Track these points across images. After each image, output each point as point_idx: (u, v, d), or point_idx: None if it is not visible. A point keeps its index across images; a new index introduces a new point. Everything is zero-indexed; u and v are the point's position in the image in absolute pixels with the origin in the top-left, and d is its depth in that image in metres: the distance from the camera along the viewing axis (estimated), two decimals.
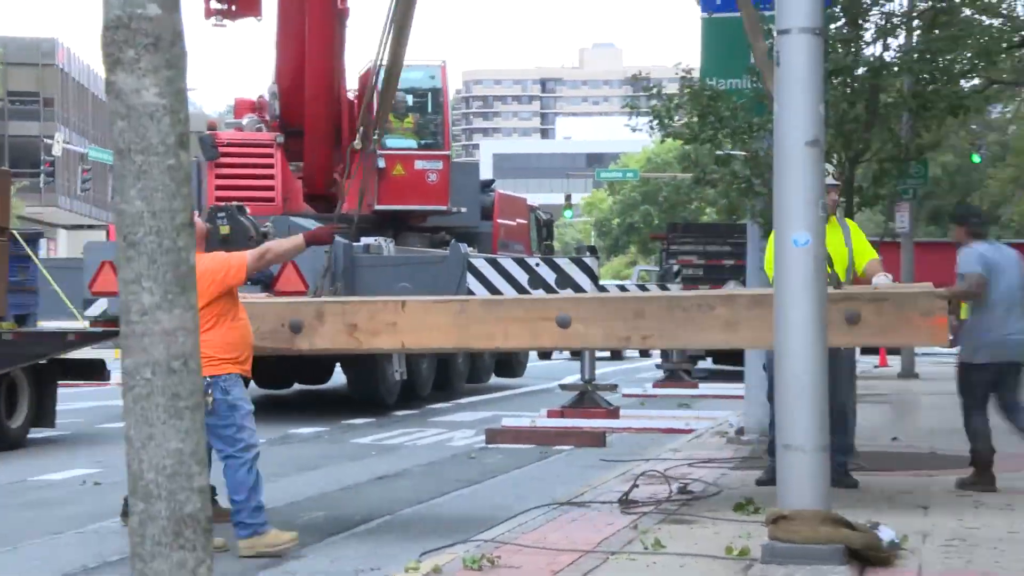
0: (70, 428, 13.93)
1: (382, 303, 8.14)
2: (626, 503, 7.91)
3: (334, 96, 18.29)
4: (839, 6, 10.24)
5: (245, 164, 17.53)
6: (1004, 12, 21.62)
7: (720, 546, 6.44)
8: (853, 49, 10.31)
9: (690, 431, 13.01)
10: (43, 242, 26.05)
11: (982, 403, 8.66)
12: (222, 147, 17.50)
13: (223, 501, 7.65)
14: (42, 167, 53.78)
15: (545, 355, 31.98)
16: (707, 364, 25.03)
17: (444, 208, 18.56)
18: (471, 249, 17.37)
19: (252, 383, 9.02)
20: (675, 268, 24.28)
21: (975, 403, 8.64)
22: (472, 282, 15.89)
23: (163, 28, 3.05)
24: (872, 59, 10.32)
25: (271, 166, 17.52)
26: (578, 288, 14.62)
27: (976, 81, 17.09)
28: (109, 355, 14.59)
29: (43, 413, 12.83)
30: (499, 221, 21.41)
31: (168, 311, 3.03)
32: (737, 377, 15.25)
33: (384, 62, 8.37)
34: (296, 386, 19.81)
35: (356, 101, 18.82)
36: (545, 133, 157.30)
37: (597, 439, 12.46)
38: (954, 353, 9.40)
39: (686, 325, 7.59)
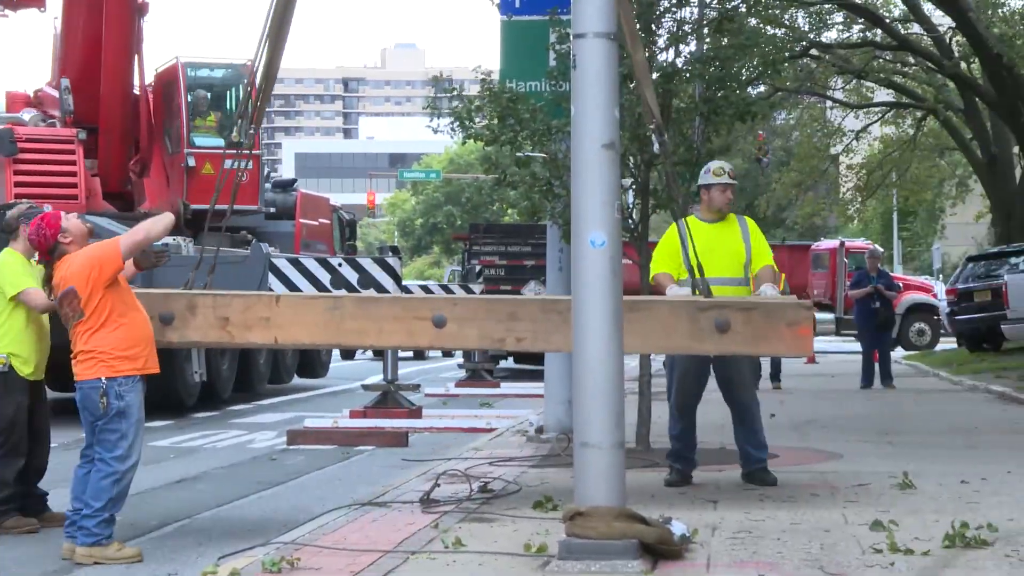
0: None
1: (256, 297, 8.07)
2: (427, 502, 7.93)
3: (130, 93, 17.85)
4: (633, 12, 10.45)
5: (46, 160, 16.98)
6: (787, 23, 22.50)
7: (519, 543, 6.51)
8: (647, 55, 10.54)
9: (491, 430, 13.11)
10: None
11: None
12: (21, 143, 16.91)
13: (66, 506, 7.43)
14: None
15: (348, 355, 31.80)
16: (509, 364, 25.27)
17: (256, 208, 18.38)
18: (273, 249, 17.16)
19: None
20: (477, 268, 24.43)
21: None
22: (274, 282, 15.68)
23: None
24: (665, 65, 10.57)
25: (73, 163, 17.00)
26: (381, 288, 14.57)
27: (762, 88, 17.70)
28: None
29: None
30: (301, 221, 21.20)
31: None
32: (538, 376, 15.43)
33: (263, 59, 8.28)
34: None
35: (154, 99, 18.41)
36: (348, 133, 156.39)
37: (399, 439, 12.45)
38: None
39: (560, 328, 7.51)
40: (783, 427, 12.35)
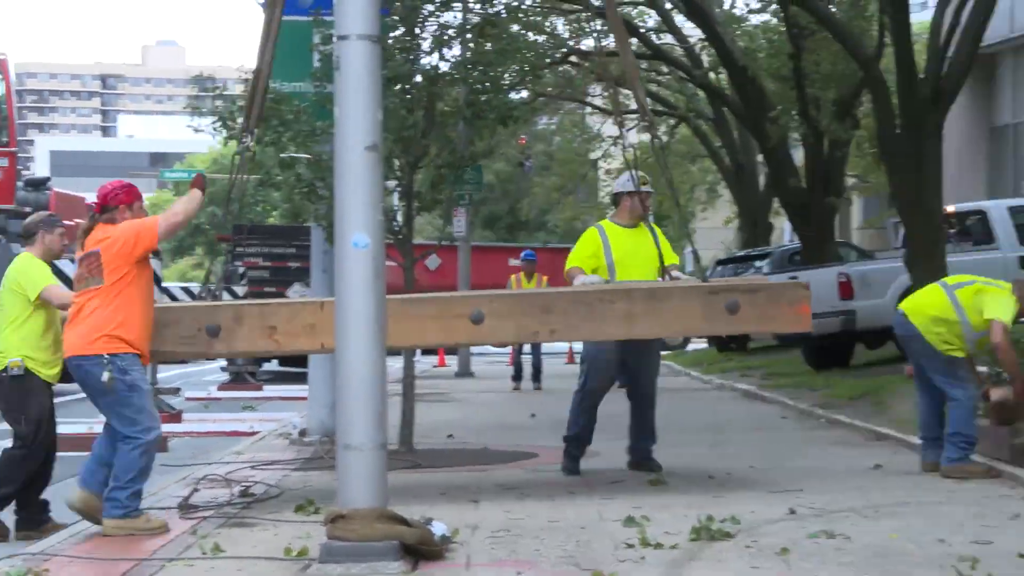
0: None
1: (300, 305, 8.03)
2: (186, 508, 7.80)
3: None
4: (397, 15, 10.52)
5: None
6: (548, 30, 22.95)
7: (280, 547, 6.48)
8: (411, 57, 10.61)
9: (254, 433, 12.96)
10: None
11: None
12: None
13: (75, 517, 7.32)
14: None
15: None
16: (273, 366, 24.98)
17: (11, 207, 17.72)
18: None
19: None
20: (241, 270, 24.06)
21: None
22: None
23: None
24: (429, 68, 10.66)
25: None
26: None
27: (525, 93, 18.02)
28: None
29: None
30: None
31: None
32: (302, 379, 15.32)
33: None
34: None
35: None
36: (106, 131, 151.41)
37: (158, 444, 12.14)
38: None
39: (588, 318, 7.95)
40: (543, 427, 12.60)
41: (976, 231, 17.99)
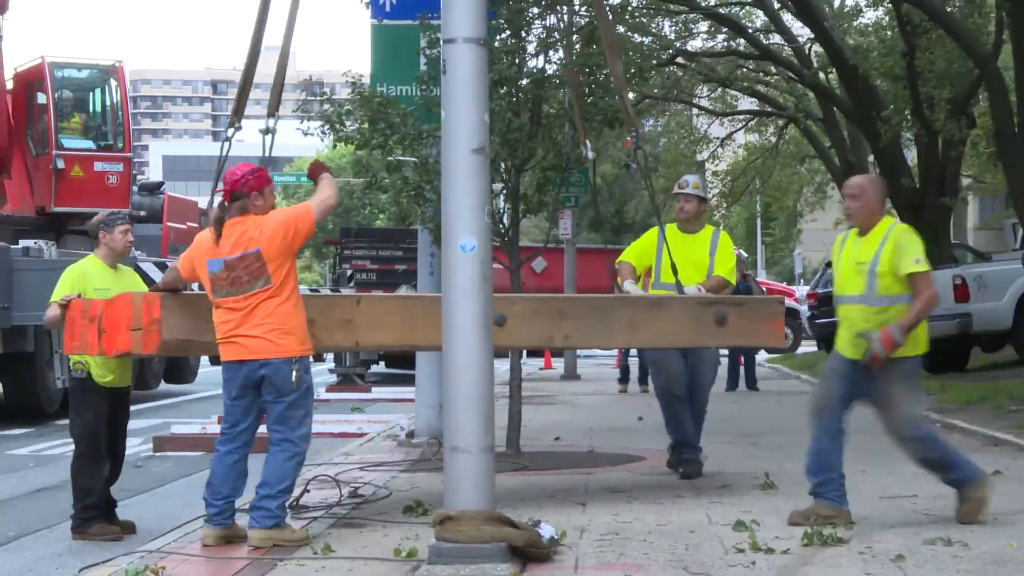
0: None
1: (336, 299, 7.93)
2: (297, 508, 7.88)
3: None
4: (503, 19, 10.54)
5: None
6: (654, 31, 22.84)
7: (389, 548, 6.52)
8: (517, 60, 10.62)
9: (362, 435, 13.07)
10: None
11: None
12: None
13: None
14: None
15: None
16: (380, 368, 25.20)
17: (126, 211, 18.08)
18: (140, 252, 16.88)
19: None
20: (348, 272, 24.31)
21: None
22: None
23: None
24: (535, 71, 10.66)
25: None
26: None
27: (630, 96, 17.93)
28: None
29: None
30: (169, 224, 20.88)
31: None
32: (409, 381, 15.42)
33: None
34: None
35: (14, 98, 17.96)
36: (216, 135, 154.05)
37: None
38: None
39: (601, 326, 8.07)
40: (650, 430, 12.53)
41: None
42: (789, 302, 32.46)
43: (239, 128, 8.02)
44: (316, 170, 7.32)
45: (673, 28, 24.63)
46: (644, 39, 17.45)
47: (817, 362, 24.16)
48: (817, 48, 24.45)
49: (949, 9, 17.93)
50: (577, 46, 10.79)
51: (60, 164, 17.12)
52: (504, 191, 10.90)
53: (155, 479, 10.69)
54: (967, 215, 40.78)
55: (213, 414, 14.83)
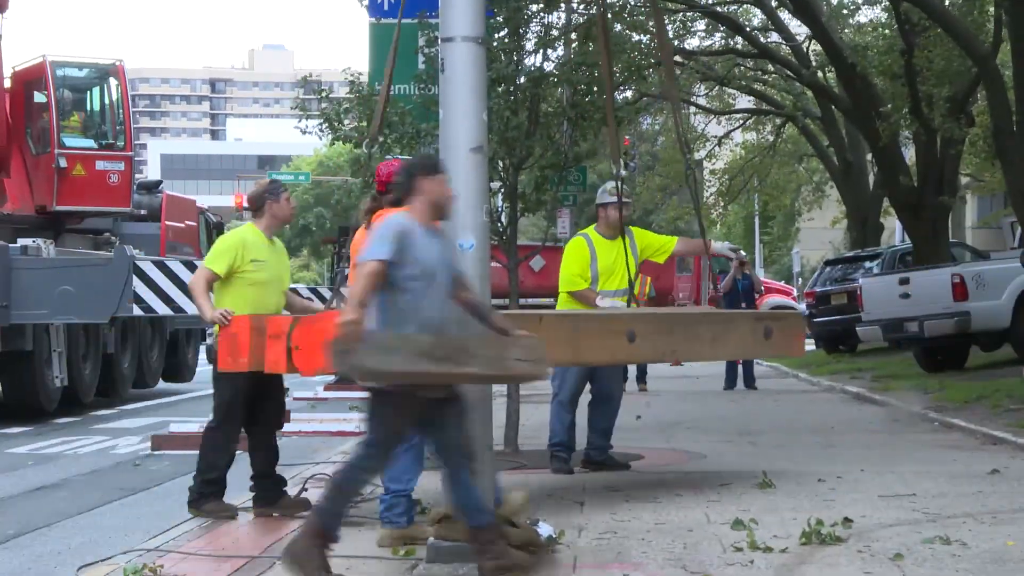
0: None
1: (520, 317, 7.66)
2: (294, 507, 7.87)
3: None
4: (501, 17, 10.53)
5: None
6: (652, 30, 22.85)
7: (387, 547, 6.51)
8: (515, 59, 10.62)
9: (361, 433, 13.03)
10: None
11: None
12: None
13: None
14: None
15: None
16: None
17: (127, 210, 18.13)
18: (139, 251, 16.87)
19: None
20: (347, 271, 24.31)
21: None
22: (139, 285, 15.43)
23: None
24: (533, 69, 10.66)
25: None
26: None
27: (628, 94, 17.93)
28: None
29: None
30: (167, 223, 20.86)
31: None
32: None
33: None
34: None
35: (13, 97, 17.96)
36: (215, 134, 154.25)
37: None
38: None
39: (696, 340, 8.33)
40: (649, 428, 12.54)
41: None
42: (787, 301, 32.55)
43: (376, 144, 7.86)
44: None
45: (671, 26, 24.60)
46: (642, 37, 17.41)
47: (815, 360, 24.18)
48: (815, 46, 24.47)
49: (948, 6, 17.93)
50: (575, 45, 10.80)
51: (63, 163, 17.12)
52: (502, 190, 10.90)
53: (154, 478, 10.69)
54: (965, 214, 40.79)
55: (211, 413, 14.79)
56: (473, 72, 6.27)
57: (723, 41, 26.70)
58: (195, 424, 13.88)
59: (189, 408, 17.77)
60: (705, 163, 34.25)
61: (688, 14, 24.27)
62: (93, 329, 17.09)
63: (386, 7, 11.27)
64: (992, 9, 18.17)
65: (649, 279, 18.85)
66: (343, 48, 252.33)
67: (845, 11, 24.51)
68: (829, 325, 24.31)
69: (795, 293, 34.05)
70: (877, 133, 20.02)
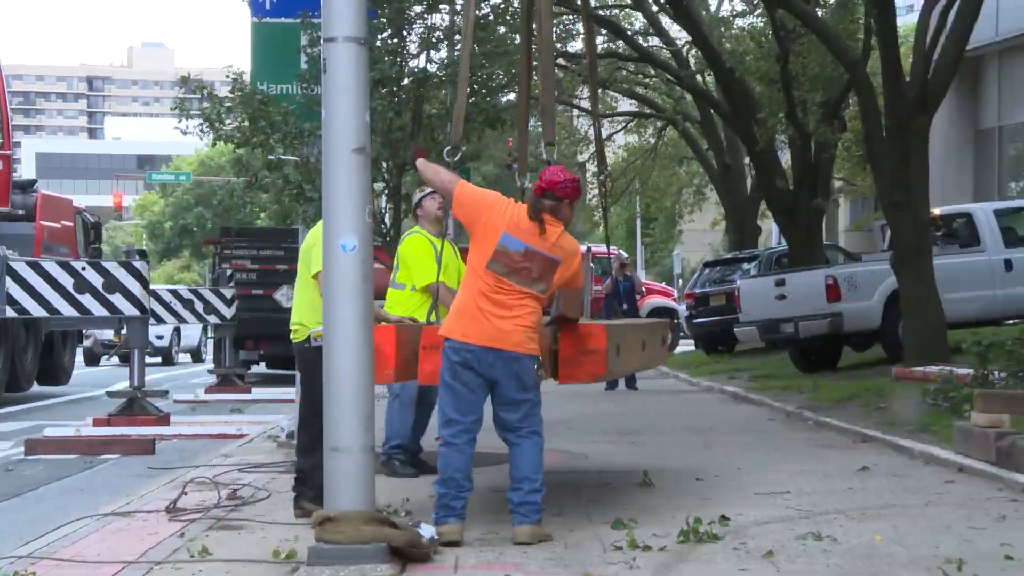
0: None
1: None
2: (173, 511, 7.78)
3: None
4: (385, 18, 10.53)
5: None
6: (535, 32, 22.98)
7: (268, 550, 6.48)
8: (399, 60, 10.63)
9: (242, 436, 12.94)
10: None
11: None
12: None
13: None
14: None
15: (93, 361, 30.79)
16: (261, 369, 24.97)
17: (6, 209, 17.70)
18: (10, 252, 16.48)
19: None
20: (228, 272, 24.02)
21: None
22: (12, 286, 15.07)
23: None
24: (417, 70, 10.68)
25: None
26: (128, 293, 14.18)
27: (512, 96, 18.00)
28: None
29: None
30: (41, 223, 20.42)
31: None
32: (290, 381, 15.29)
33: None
34: None
35: None
36: (93, 133, 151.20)
37: (145, 447, 12.17)
38: None
39: (640, 352, 8.43)
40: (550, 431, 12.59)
41: (962, 234, 18.04)
42: (668, 302, 32.94)
43: (459, 152, 7.67)
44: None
45: (555, 29, 24.77)
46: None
47: (695, 361, 24.54)
48: (696, 51, 24.83)
49: (821, 14, 18.31)
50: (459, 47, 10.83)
51: None
52: (386, 191, 10.90)
53: (27, 483, 10.47)
54: (839, 217, 41.71)
55: (89, 416, 14.56)
56: (355, 73, 6.26)
57: (605, 45, 26.97)
58: (71, 428, 13.64)
59: (65, 412, 17.43)
60: (588, 165, 34.53)
61: (570, 17, 24.45)
62: None
63: (268, 6, 11.19)
64: (863, 18, 18.60)
65: None
66: (224, 47, 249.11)
67: (723, 14, 24.92)
68: (708, 326, 24.69)
69: (675, 295, 34.47)
70: (754, 137, 20.39)
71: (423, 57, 10.85)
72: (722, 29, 21.81)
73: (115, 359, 30.96)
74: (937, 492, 8.20)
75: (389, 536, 6.02)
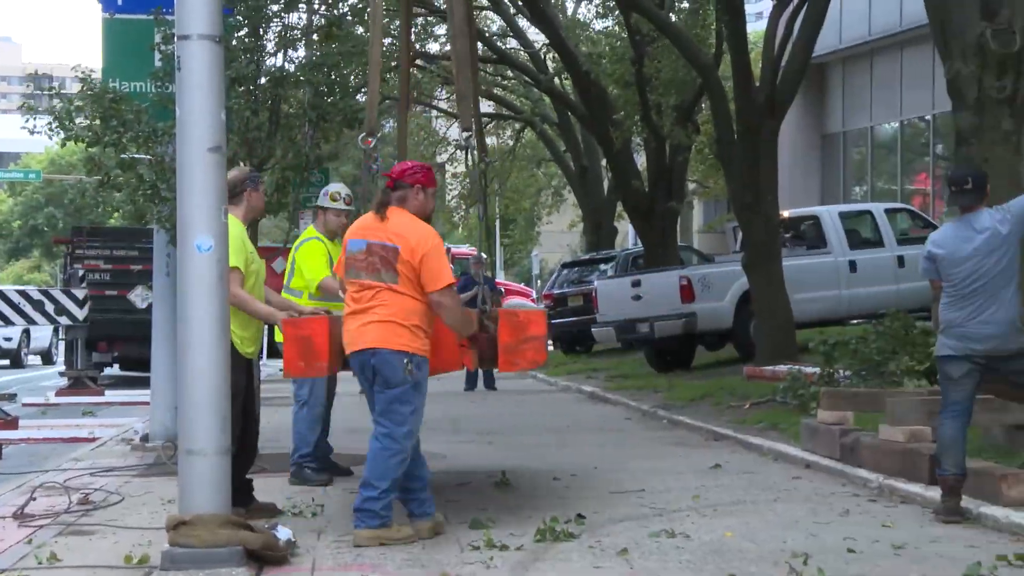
0: None
1: None
2: (21, 517, 7.60)
3: None
4: (241, 16, 10.43)
5: None
6: (393, 33, 22.94)
7: (120, 555, 6.37)
8: (256, 59, 10.53)
9: (94, 439, 12.66)
10: None
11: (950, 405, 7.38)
12: None
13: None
14: None
15: None
16: (114, 371, 24.46)
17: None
18: None
19: None
20: (80, 273, 23.48)
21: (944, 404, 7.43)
22: None
23: None
24: (274, 69, 10.60)
25: None
26: None
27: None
28: None
29: None
30: None
31: None
32: (145, 383, 15.02)
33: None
34: None
35: None
36: None
37: None
38: None
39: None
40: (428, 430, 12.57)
41: (809, 235, 18.53)
42: (526, 303, 33.13)
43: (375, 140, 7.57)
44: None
45: (413, 30, 24.75)
46: (384, 40, 17.48)
47: (553, 361, 24.74)
48: (553, 54, 25.06)
49: (674, 19, 18.65)
50: (317, 46, 10.80)
51: None
52: None
53: None
54: (693, 218, 42.47)
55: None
56: (211, 71, 6.21)
57: None
58: None
59: None
60: (447, 166, 34.60)
61: (429, 19, 24.49)
62: None
63: (120, 2, 10.98)
64: (714, 24, 19.00)
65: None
66: (76, 42, 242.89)
67: (580, 17, 25.21)
68: (566, 326, 24.92)
69: (534, 295, 34.74)
70: (611, 139, 20.67)
71: (280, 56, 10.78)
72: (579, 32, 22.06)
73: None
74: (785, 488, 8.44)
75: (245, 539, 5.98)
